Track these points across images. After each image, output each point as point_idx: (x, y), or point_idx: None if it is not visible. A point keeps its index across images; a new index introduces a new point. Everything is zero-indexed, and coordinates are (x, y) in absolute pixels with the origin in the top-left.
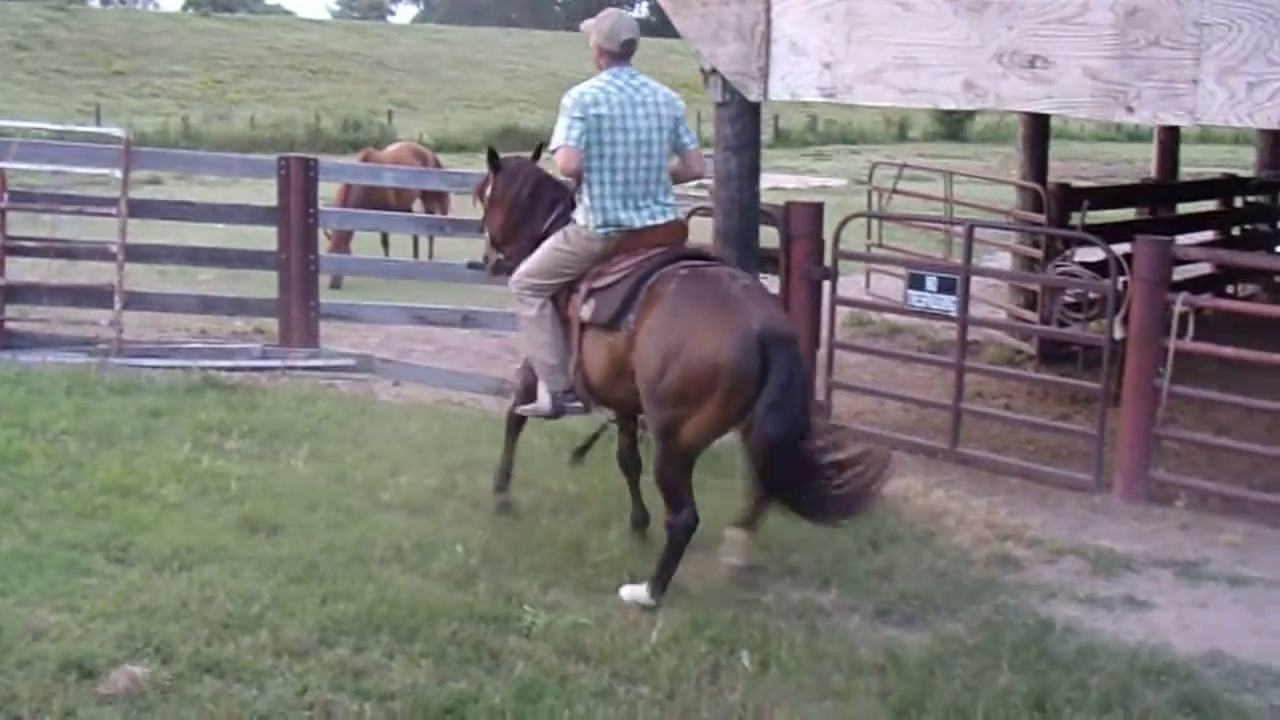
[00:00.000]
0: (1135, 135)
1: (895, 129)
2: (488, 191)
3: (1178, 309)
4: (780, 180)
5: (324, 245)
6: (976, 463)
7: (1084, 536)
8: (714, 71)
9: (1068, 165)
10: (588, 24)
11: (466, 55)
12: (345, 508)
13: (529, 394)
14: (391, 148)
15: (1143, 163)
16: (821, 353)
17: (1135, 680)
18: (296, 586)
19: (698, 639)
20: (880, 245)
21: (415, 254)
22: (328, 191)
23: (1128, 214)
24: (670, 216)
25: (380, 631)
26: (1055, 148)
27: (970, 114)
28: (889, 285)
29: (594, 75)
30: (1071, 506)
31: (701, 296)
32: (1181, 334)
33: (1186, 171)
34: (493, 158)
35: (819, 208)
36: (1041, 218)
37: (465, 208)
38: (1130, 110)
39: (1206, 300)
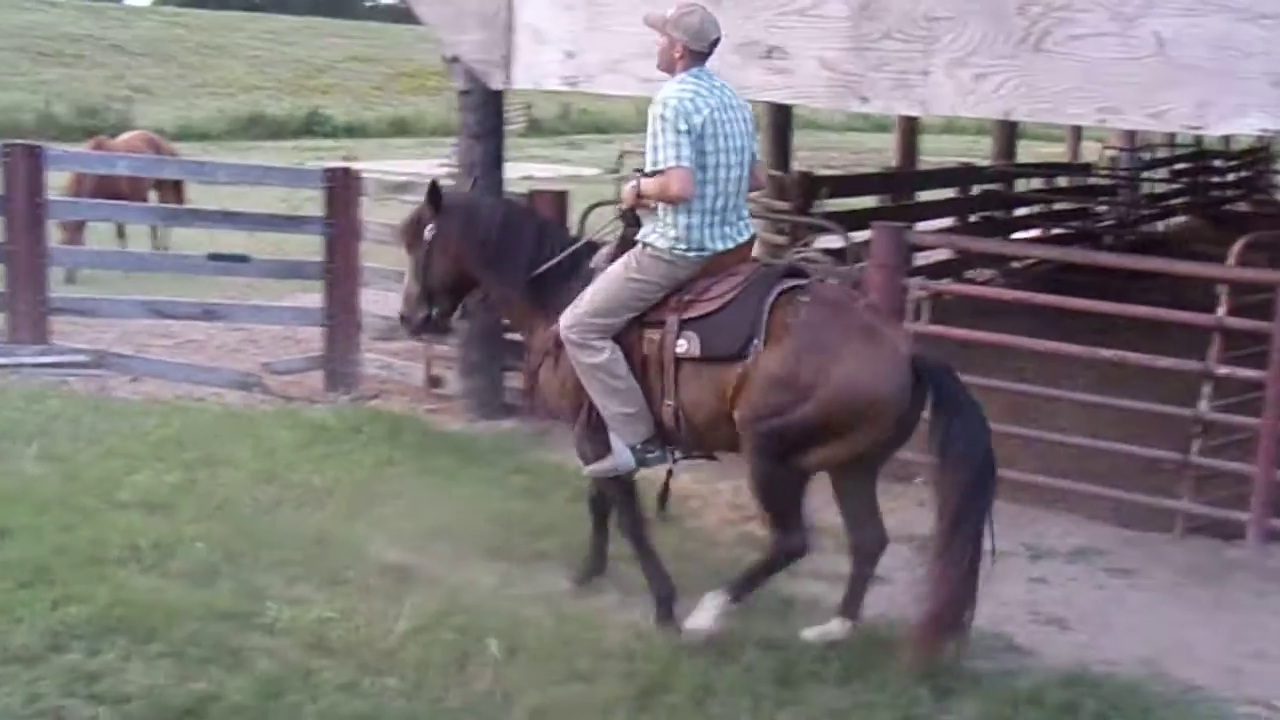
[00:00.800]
0: (882, 125)
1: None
2: (425, 234)
3: (914, 293)
4: (533, 170)
5: (57, 237)
6: None
7: (827, 515)
8: (456, 60)
9: (818, 154)
10: (660, 17)
11: (208, 40)
12: (78, 508)
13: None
14: (124, 136)
15: (890, 152)
16: None
17: (875, 652)
18: (25, 591)
19: (445, 628)
20: None
21: (153, 245)
22: (59, 181)
23: (870, 202)
24: (751, 231)
25: (116, 634)
26: (806, 137)
27: None
28: None
29: (670, 77)
30: (815, 486)
31: (840, 323)
32: (918, 317)
33: (929, 161)
34: (434, 194)
35: (563, 195)
36: (786, 205)
37: (203, 197)
38: (865, 101)
39: (943, 285)
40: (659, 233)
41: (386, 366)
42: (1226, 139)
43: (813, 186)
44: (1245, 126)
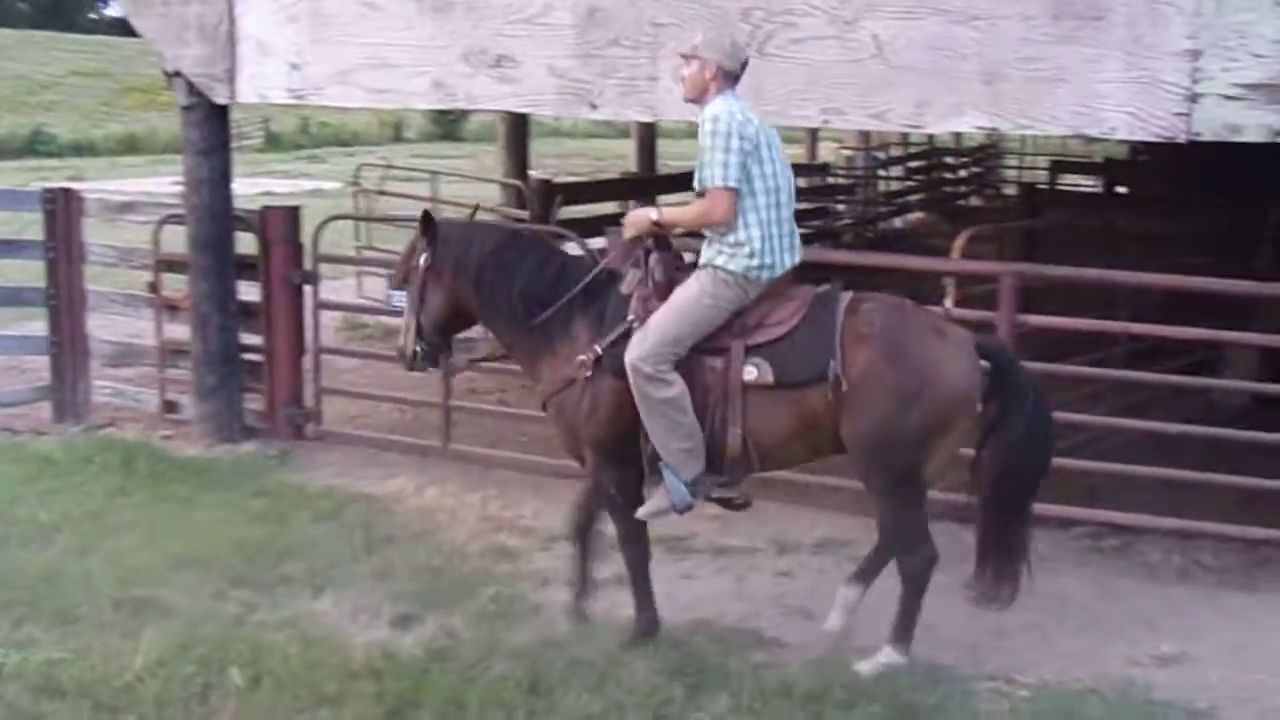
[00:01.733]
0: (627, 131)
1: (390, 130)
2: (421, 263)
3: None
4: (272, 185)
5: None
6: (470, 458)
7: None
8: (178, 74)
9: (565, 161)
10: (690, 44)
11: None
12: None
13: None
14: None
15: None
16: (308, 359)
17: (626, 653)
18: None
19: (185, 661)
20: (370, 248)
21: None
22: None
23: (614, 208)
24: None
25: None
26: (549, 144)
27: (465, 113)
28: (382, 288)
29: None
30: (564, 494)
31: (911, 327)
32: None
33: (673, 165)
34: (429, 223)
35: (295, 211)
36: (525, 214)
37: None
38: (595, 107)
39: None
40: (728, 254)
41: (119, 393)
42: (957, 136)
43: (552, 194)
44: (962, 125)
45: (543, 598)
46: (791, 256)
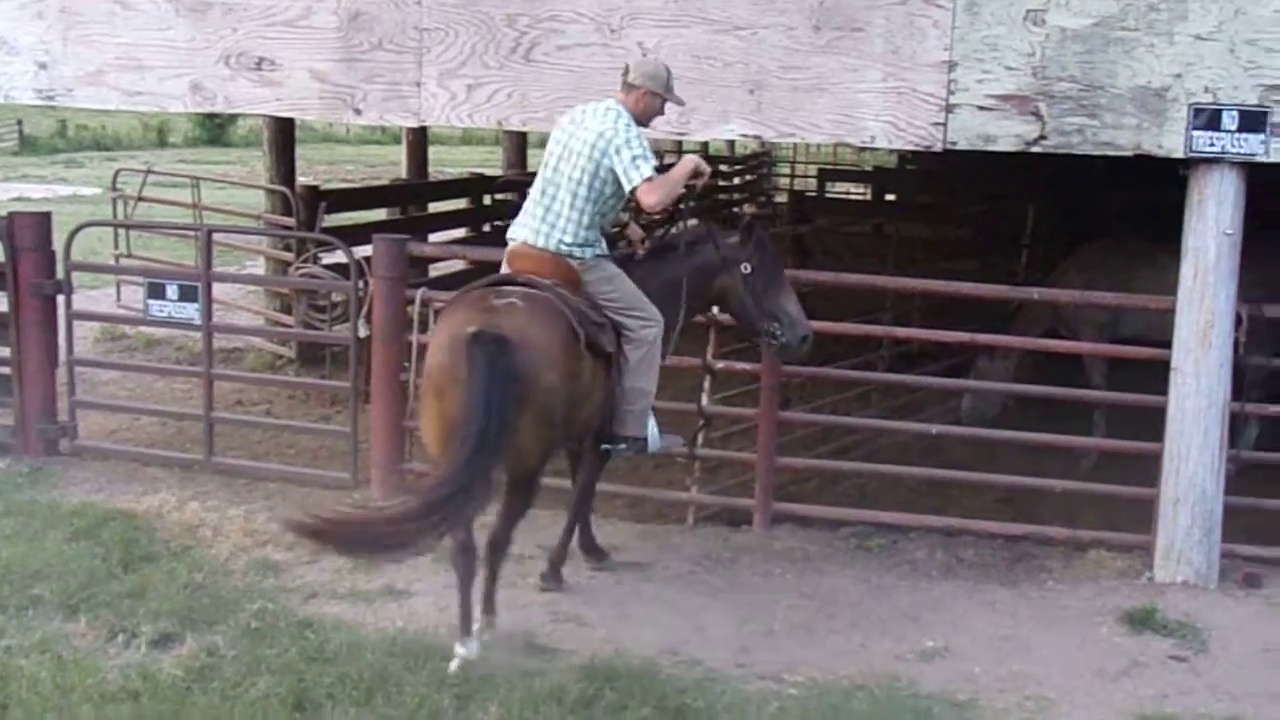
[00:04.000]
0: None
1: (154, 134)
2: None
3: (417, 305)
4: (27, 190)
5: None
6: (235, 471)
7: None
8: None
9: (334, 168)
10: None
11: None
12: None
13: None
14: None
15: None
16: (61, 371)
17: (395, 665)
18: None
19: None
20: (130, 255)
21: None
22: None
23: (380, 214)
24: None
25: None
26: (321, 150)
27: (232, 118)
28: (141, 297)
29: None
30: (332, 506)
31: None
32: (424, 329)
33: (448, 172)
34: (751, 231)
35: (46, 217)
36: (291, 220)
37: None
38: (358, 112)
39: (445, 295)
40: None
41: None
42: (731, 144)
43: (318, 200)
44: (726, 132)
45: (310, 612)
46: None
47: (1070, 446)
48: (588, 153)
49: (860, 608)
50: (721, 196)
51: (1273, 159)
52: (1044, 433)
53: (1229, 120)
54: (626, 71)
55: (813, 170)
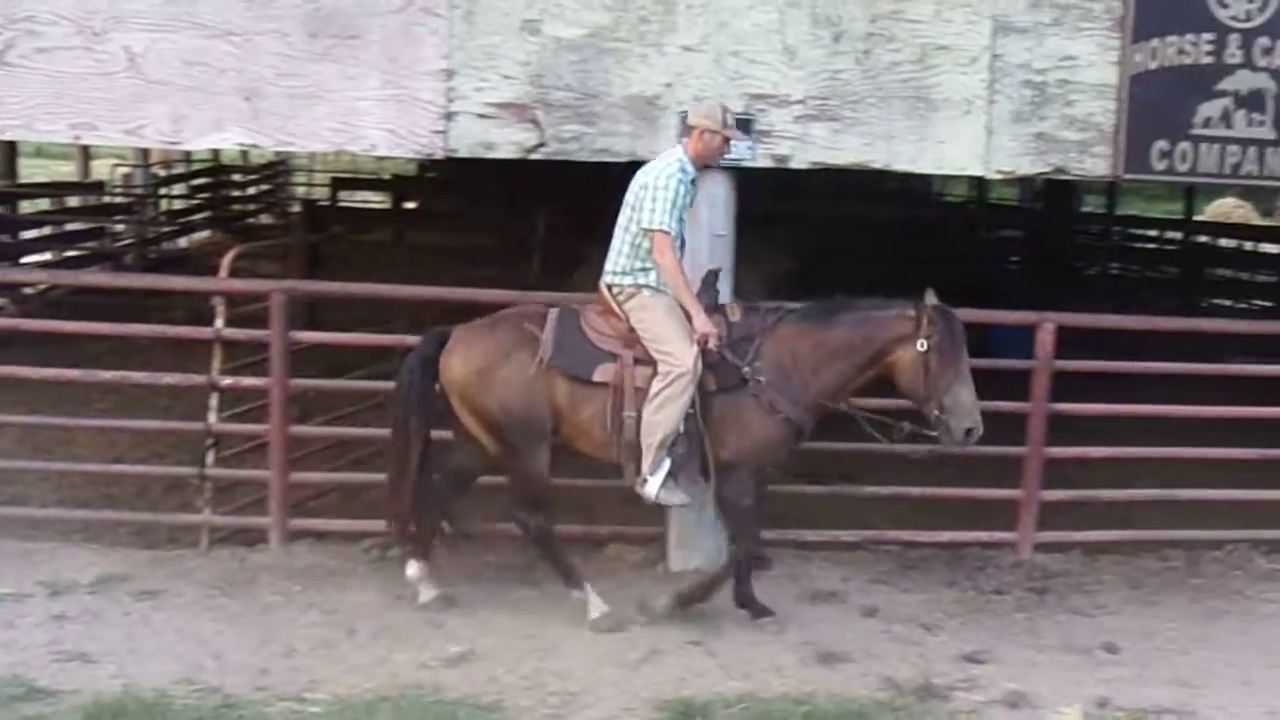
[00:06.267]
0: None
1: None
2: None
3: None
4: None
5: None
6: None
7: None
8: None
9: None
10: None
11: None
12: None
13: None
14: None
15: None
16: None
17: None
18: None
19: None
20: None
21: None
22: None
23: None
24: None
25: None
26: None
27: None
28: None
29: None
30: None
31: None
32: None
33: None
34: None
35: None
36: None
37: None
38: None
39: None
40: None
41: None
42: (244, 153)
43: None
44: (223, 141)
45: None
46: None
47: None
48: (634, 192)
49: (383, 619)
50: (236, 207)
51: (759, 164)
52: None
53: None
54: (685, 116)
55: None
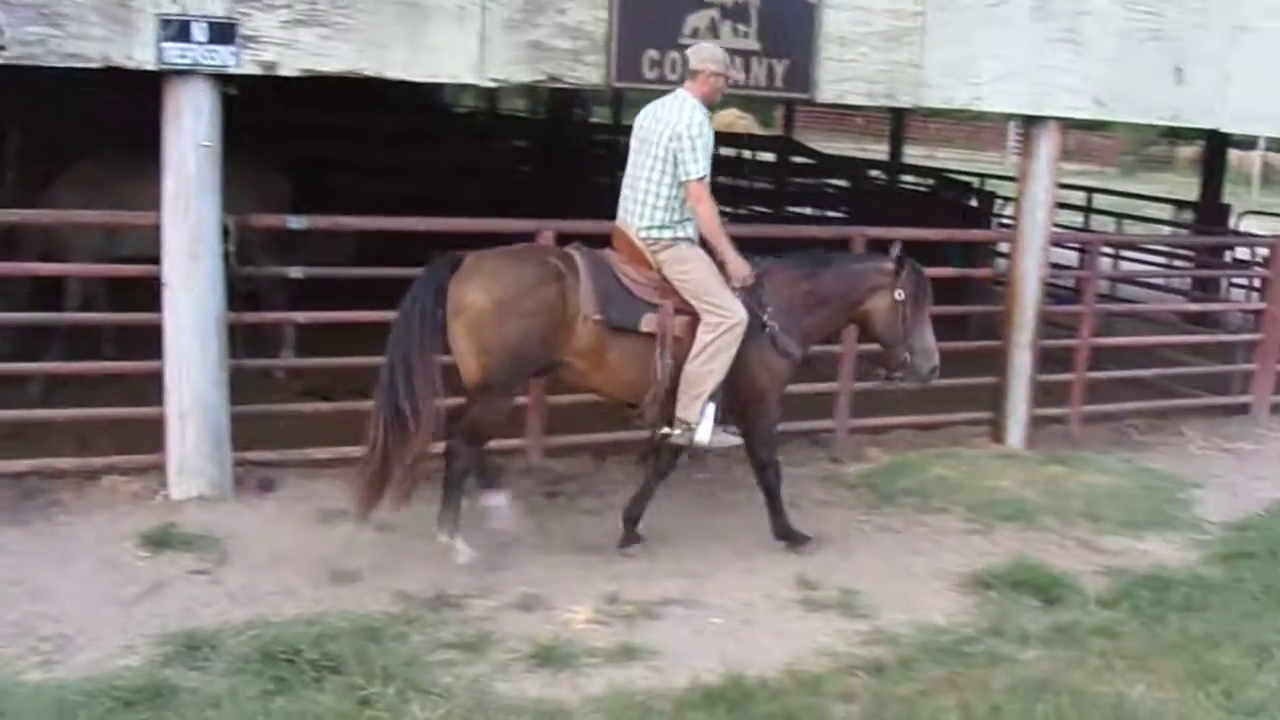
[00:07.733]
0: None
1: None
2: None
3: None
4: None
5: None
6: None
7: None
8: None
9: None
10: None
11: None
12: None
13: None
14: None
15: None
16: None
17: None
18: None
19: None
20: None
21: None
22: None
23: None
24: None
25: None
26: None
27: None
28: None
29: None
30: None
31: None
32: None
33: None
34: (903, 262)
35: None
36: None
37: None
38: None
39: None
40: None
41: None
42: None
43: None
44: None
45: None
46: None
47: (82, 373)
48: (664, 143)
49: None
50: None
51: (245, 70)
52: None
53: (199, 32)
54: (687, 62)
55: None
